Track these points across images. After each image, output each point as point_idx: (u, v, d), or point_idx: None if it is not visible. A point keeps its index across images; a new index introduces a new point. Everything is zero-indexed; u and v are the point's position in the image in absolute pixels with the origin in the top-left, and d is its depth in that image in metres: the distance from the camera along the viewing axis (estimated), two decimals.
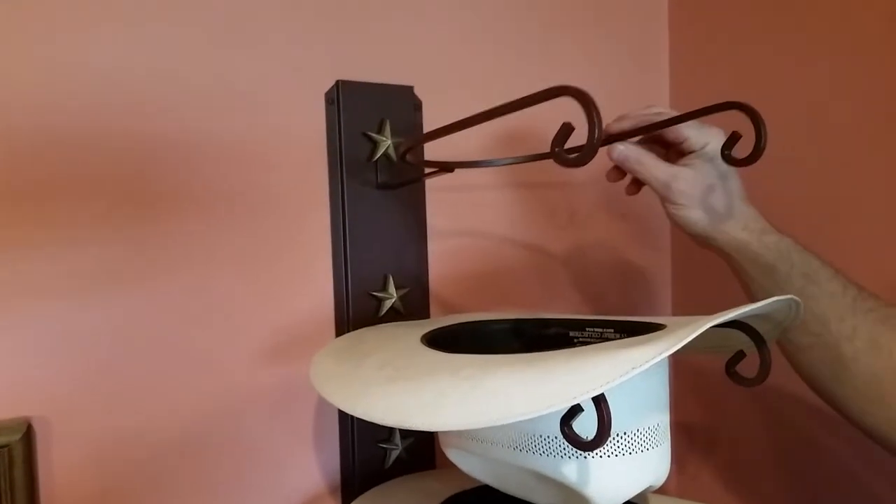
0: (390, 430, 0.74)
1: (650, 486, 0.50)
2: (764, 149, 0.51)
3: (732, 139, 0.54)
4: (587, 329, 0.64)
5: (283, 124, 0.70)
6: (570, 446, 0.48)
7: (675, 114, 0.60)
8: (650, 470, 0.50)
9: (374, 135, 0.73)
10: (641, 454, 0.49)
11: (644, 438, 0.49)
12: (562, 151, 0.42)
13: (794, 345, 0.61)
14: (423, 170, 0.74)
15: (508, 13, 0.85)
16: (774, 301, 0.45)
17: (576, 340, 0.64)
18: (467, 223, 0.83)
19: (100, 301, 0.61)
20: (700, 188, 0.60)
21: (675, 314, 1.01)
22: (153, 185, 0.64)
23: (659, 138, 0.63)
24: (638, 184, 0.67)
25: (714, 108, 0.54)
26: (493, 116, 0.45)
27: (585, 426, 0.43)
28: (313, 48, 0.72)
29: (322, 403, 0.73)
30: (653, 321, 0.58)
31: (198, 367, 0.66)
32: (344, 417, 0.73)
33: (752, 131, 0.54)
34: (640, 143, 0.64)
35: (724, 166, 0.59)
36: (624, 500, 0.49)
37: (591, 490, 0.48)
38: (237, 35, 0.67)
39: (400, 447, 0.74)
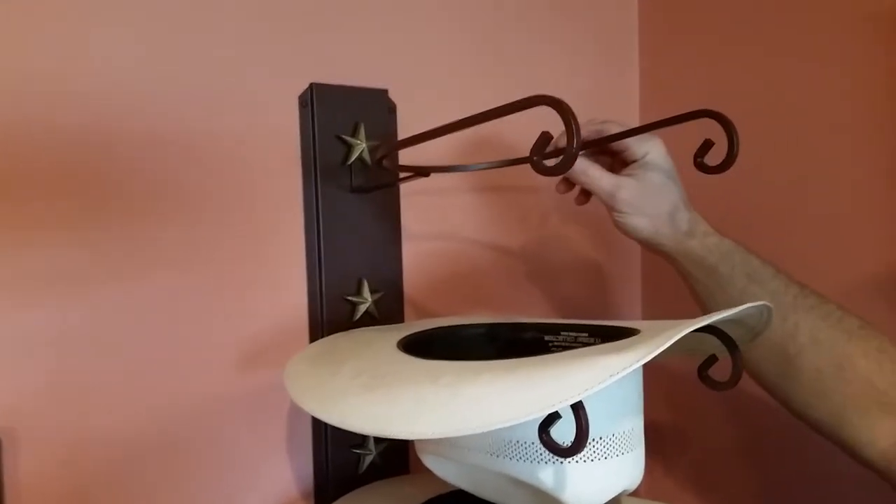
0: (364, 434, 0.74)
1: (625, 490, 0.51)
2: (736, 156, 0.52)
3: (705, 147, 0.55)
4: (562, 333, 0.64)
5: (257, 126, 0.69)
6: (547, 452, 0.49)
7: (623, 128, 0.61)
8: (625, 474, 0.50)
9: (348, 138, 0.73)
10: (617, 458, 0.49)
11: (619, 443, 0.49)
12: (540, 160, 0.42)
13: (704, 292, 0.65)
14: (397, 174, 0.74)
15: (482, 17, 0.85)
16: (747, 307, 0.46)
17: (551, 345, 0.65)
18: (440, 227, 0.83)
19: (67, 304, 0.60)
20: (643, 196, 0.62)
21: (644, 315, 1.02)
22: (123, 186, 0.62)
23: (605, 149, 0.65)
24: (586, 194, 0.69)
25: (686, 116, 0.55)
26: (471, 124, 0.45)
27: (563, 432, 0.43)
28: (287, 50, 0.71)
29: (296, 408, 0.72)
30: (627, 325, 0.59)
31: (169, 372, 0.65)
32: (317, 422, 0.73)
33: (724, 138, 0.55)
34: (587, 154, 0.65)
35: (665, 174, 0.62)
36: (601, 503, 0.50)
37: (568, 495, 0.48)
38: (210, 35, 0.67)
39: (374, 452, 0.74)
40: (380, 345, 0.59)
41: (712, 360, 0.53)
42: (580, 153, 0.63)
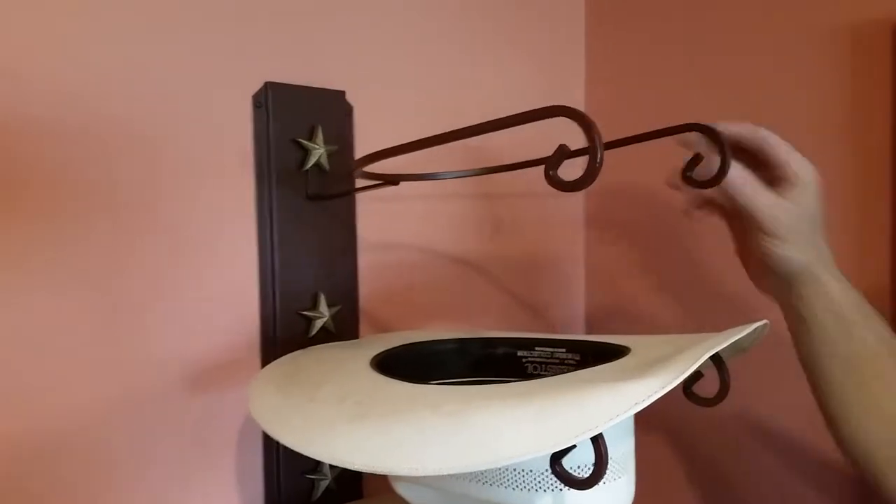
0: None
1: None
2: (727, 170, 0.51)
3: (694, 161, 0.54)
4: (536, 349, 0.62)
5: (207, 127, 0.64)
6: (547, 480, 0.46)
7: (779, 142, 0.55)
8: (621, 498, 0.49)
9: (304, 142, 0.68)
10: (613, 483, 0.48)
11: (616, 467, 0.47)
12: (556, 175, 0.40)
13: (824, 340, 0.56)
14: (353, 182, 0.70)
15: (441, 18, 0.82)
16: (759, 326, 0.45)
17: (525, 360, 0.63)
18: (394, 236, 0.79)
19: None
20: (800, 222, 0.54)
21: (588, 320, 1.02)
22: (62, 185, 0.55)
23: (759, 162, 0.55)
24: (714, 207, 0.61)
25: (674, 129, 0.54)
26: (480, 132, 0.42)
27: (572, 460, 0.41)
28: (241, 46, 0.65)
29: (246, 431, 0.67)
30: (605, 340, 0.57)
31: (103, 393, 0.58)
32: (268, 447, 0.67)
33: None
34: (743, 164, 0.55)
35: (819, 203, 0.55)
36: None
37: None
38: (159, 27, 0.60)
39: (329, 477, 0.70)
40: (352, 364, 0.55)
41: (698, 375, 0.53)
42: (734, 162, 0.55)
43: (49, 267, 0.55)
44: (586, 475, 0.39)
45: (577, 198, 0.99)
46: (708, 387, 0.51)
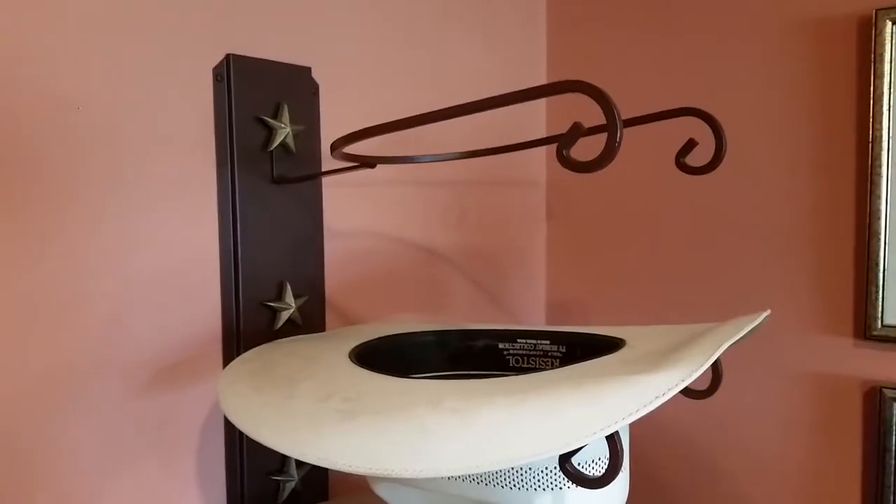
0: (284, 459, 0.65)
1: None
2: (723, 157, 0.50)
3: (688, 146, 0.53)
4: (518, 340, 0.60)
5: (165, 102, 0.58)
6: (547, 478, 0.44)
7: None
8: (617, 496, 0.47)
9: (270, 120, 0.63)
10: (613, 484, 0.46)
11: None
12: (570, 154, 0.37)
13: None
14: (321, 164, 0.66)
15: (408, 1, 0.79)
16: (765, 316, 0.44)
17: (506, 353, 0.60)
18: (362, 223, 0.75)
19: None
20: None
21: (548, 306, 1.00)
22: (7, 165, 0.50)
23: None
24: None
25: (670, 113, 0.52)
26: (485, 108, 0.39)
27: (578, 457, 0.39)
28: (201, 14, 0.60)
29: (207, 430, 0.62)
30: (594, 332, 0.56)
31: (52, 395, 0.53)
32: (231, 447, 0.63)
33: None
34: None
35: None
36: None
37: None
38: None
39: (296, 478, 0.66)
40: (329, 358, 0.52)
41: None
42: None
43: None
44: (594, 472, 0.37)
45: (540, 188, 0.97)
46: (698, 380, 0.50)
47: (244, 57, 0.62)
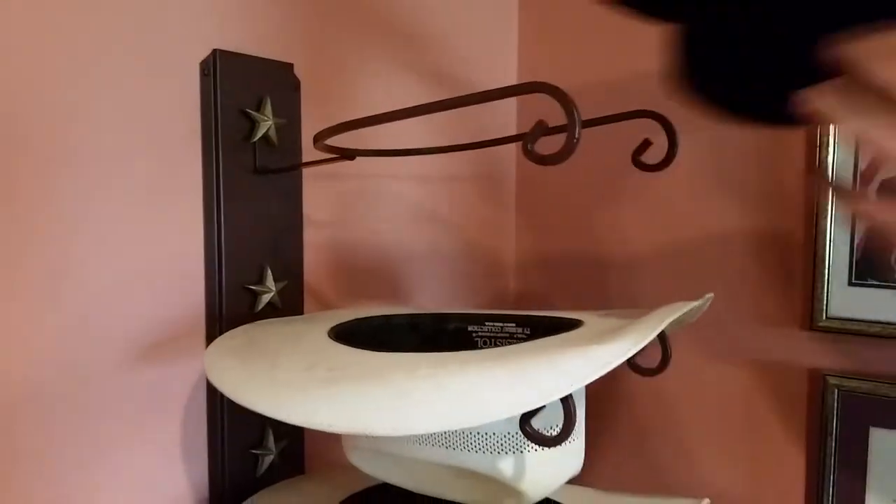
0: (263, 434, 0.69)
1: (572, 476, 0.52)
2: (675, 155, 0.55)
3: (644, 146, 0.57)
4: (486, 324, 0.64)
5: (154, 93, 0.61)
6: (509, 442, 0.48)
7: None
8: (573, 461, 0.52)
9: (253, 113, 0.67)
10: (568, 446, 0.51)
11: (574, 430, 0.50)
12: (534, 149, 0.41)
13: None
14: (299, 157, 0.70)
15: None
16: (707, 298, 0.49)
17: (475, 335, 0.64)
18: (340, 214, 0.79)
19: None
20: None
21: (517, 297, 1.05)
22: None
23: None
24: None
25: (626, 115, 0.57)
26: (455, 106, 0.43)
27: (538, 422, 0.43)
28: (189, 12, 0.64)
29: (190, 407, 0.65)
30: (556, 315, 0.60)
31: (43, 368, 0.56)
32: (213, 423, 0.66)
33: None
34: None
35: None
36: (551, 491, 0.51)
37: (526, 484, 0.49)
38: None
39: (274, 452, 0.69)
40: (310, 336, 0.56)
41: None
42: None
43: None
44: (550, 434, 0.42)
45: (510, 183, 1.02)
46: (649, 359, 0.55)
47: (230, 52, 0.66)
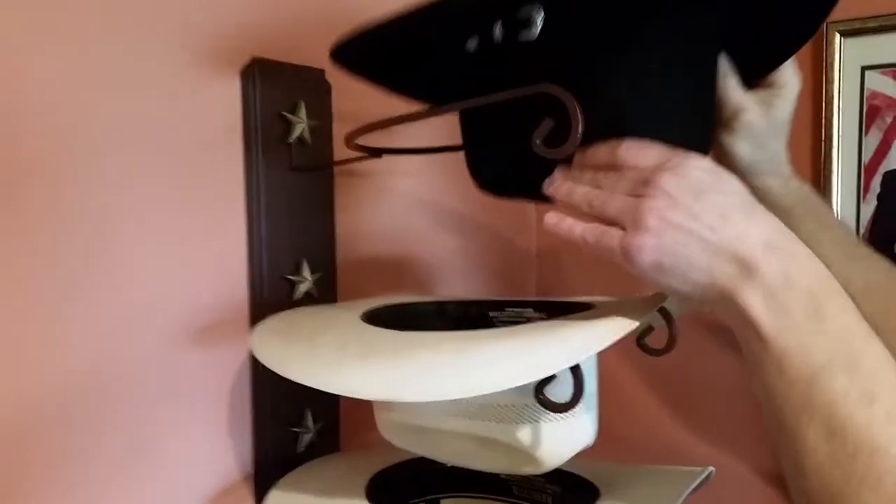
0: (302, 415, 0.74)
1: (585, 446, 0.57)
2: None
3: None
4: (506, 309, 0.69)
5: (200, 97, 0.67)
6: (525, 413, 0.53)
7: None
8: (588, 431, 0.56)
9: (289, 115, 0.72)
10: (580, 416, 0.55)
11: (586, 403, 0.55)
12: (541, 145, 0.46)
13: None
14: (331, 156, 0.75)
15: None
16: None
17: (496, 320, 0.69)
18: (369, 209, 0.84)
19: None
20: (764, 125, 0.57)
21: (538, 287, 1.10)
22: (57, 152, 0.58)
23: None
24: None
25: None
26: (471, 105, 0.48)
27: (551, 392, 0.48)
28: (231, 24, 0.69)
29: (236, 388, 0.71)
30: (569, 301, 0.65)
31: (102, 346, 0.61)
32: (258, 403, 0.72)
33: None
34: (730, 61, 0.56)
35: (792, 112, 0.59)
36: (566, 459, 0.55)
37: (542, 451, 0.53)
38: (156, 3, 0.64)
39: (312, 431, 0.75)
40: (344, 320, 0.61)
41: (649, 329, 0.60)
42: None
43: (57, 238, 0.58)
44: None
45: None
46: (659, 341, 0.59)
47: (267, 60, 0.71)
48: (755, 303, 0.40)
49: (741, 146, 0.58)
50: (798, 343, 0.39)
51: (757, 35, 0.55)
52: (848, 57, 0.84)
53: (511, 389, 0.50)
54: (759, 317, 0.40)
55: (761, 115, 0.57)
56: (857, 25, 0.83)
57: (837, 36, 0.83)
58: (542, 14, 0.45)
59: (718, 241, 0.41)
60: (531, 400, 0.50)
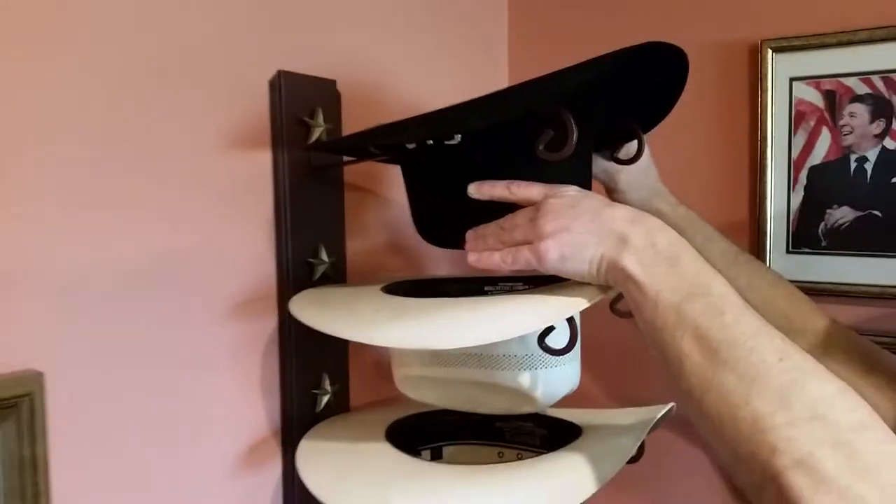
0: (320, 379, 0.85)
1: (571, 389, 0.70)
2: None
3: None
4: (499, 283, 0.82)
5: (236, 105, 0.78)
6: (526, 362, 0.66)
7: None
8: (574, 377, 0.69)
9: (308, 120, 0.83)
10: (570, 365, 0.68)
11: (573, 354, 0.68)
12: (543, 150, 0.59)
13: None
14: (341, 156, 0.87)
15: (405, 28, 1.00)
16: None
17: (490, 293, 0.82)
18: (374, 201, 0.96)
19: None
20: (635, 177, 0.80)
21: None
22: (118, 145, 0.68)
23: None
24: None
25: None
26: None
27: (550, 341, 0.61)
28: (261, 43, 0.80)
29: (267, 354, 0.82)
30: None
31: (152, 325, 0.72)
32: (284, 369, 0.83)
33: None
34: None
35: (649, 158, 0.81)
36: (558, 399, 0.68)
37: (539, 393, 0.66)
38: (204, 25, 0.74)
39: (329, 392, 0.86)
40: (369, 292, 0.73)
41: (620, 296, 0.74)
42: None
43: (112, 225, 0.68)
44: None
45: None
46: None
47: (291, 72, 0.82)
48: (631, 262, 0.54)
49: (625, 194, 0.81)
50: (665, 284, 0.53)
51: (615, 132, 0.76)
52: (778, 70, 0.99)
53: (516, 341, 0.63)
54: (636, 271, 0.54)
55: (630, 171, 0.79)
56: (786, 43, 0.98)
57: (770, 52, 0.98)
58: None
59: (598, 226, 0.56)
60: (532, 350, 0.63)
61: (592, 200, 0.59)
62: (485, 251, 0.62)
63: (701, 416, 0.50)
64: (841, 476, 0.42)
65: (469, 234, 0.64)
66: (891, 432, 0.45)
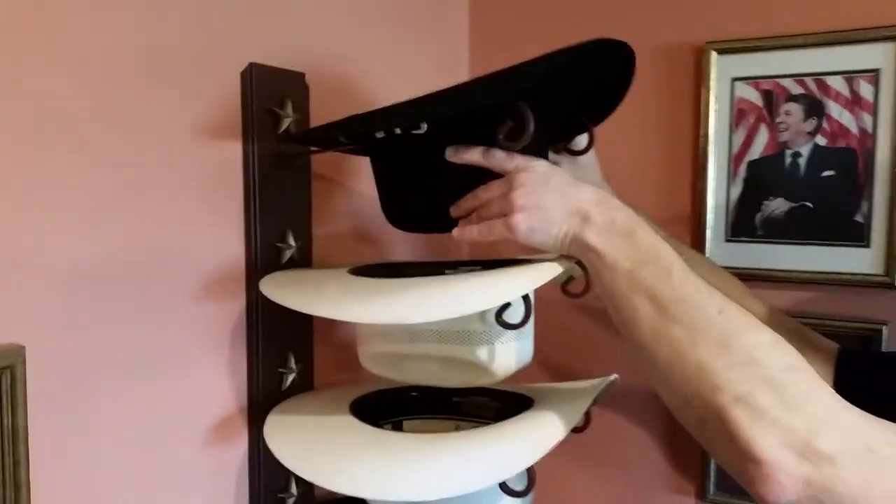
0: (286, 358, 0.89)
1: (526, 364, 0.75)
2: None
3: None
4: (459, 267, 0.86)
5: (208, 96, 0.81)
6: (483, 337, 0.71)
7: None
8: (528, 351, 0.75)
9: (278, 111, 0.87)
10: (526, 341, 0.73)
11: (528, 330, 0.73)
12: (503, 139, 0.64)
13: None
14: (308, 147, 0.90)
15: (367, 22, 1.04)
16: None
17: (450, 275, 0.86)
18: (340, 190, 1.00)
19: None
20: (583, 172, 0.83)
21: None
22: (104, 135, 0.71)
23: None
24: None
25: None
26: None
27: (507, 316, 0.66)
28: (232, 34, 0.83)
29: (235, 335, 0.85)
30: (510, 259, 0.83)
31: (130, 303, 0.74)
32: (251, 348, 0.86)
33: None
34: None
35: (593, 156, 0.85)
36: (513, 372, 0.73)
37: (495, 366, 0.71)
38: (175, 19, 0.77)
39: (295, 371, 0.90)
40: (337, 274, 0.77)
41: (570, 279, 0.79)
42: None
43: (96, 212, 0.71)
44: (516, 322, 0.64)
45: None
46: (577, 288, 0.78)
47: (261, 65, 0.85)
48: (592, 236, 0.62)
49: None
50: (621, 253, 0.61)
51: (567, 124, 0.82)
52: (721, 70, 1.06)
53: (474, 317, 0.68)
54: (597, 244, 0.62)
55: (573, 165, 0.84)
56: (728, 46, 1.05)
57: (713, 53, 1.05)
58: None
59: (565, 204, 0.63)
60: (490, 326, 0.68)
61: (560, 178, 0.66)
62: (465, 227, 0.69)
63: (653, 365, 0.58)
64: (774, 409, 0.50)
65: (453, 211, 0.71)
66: (816, 374, 0.53)
